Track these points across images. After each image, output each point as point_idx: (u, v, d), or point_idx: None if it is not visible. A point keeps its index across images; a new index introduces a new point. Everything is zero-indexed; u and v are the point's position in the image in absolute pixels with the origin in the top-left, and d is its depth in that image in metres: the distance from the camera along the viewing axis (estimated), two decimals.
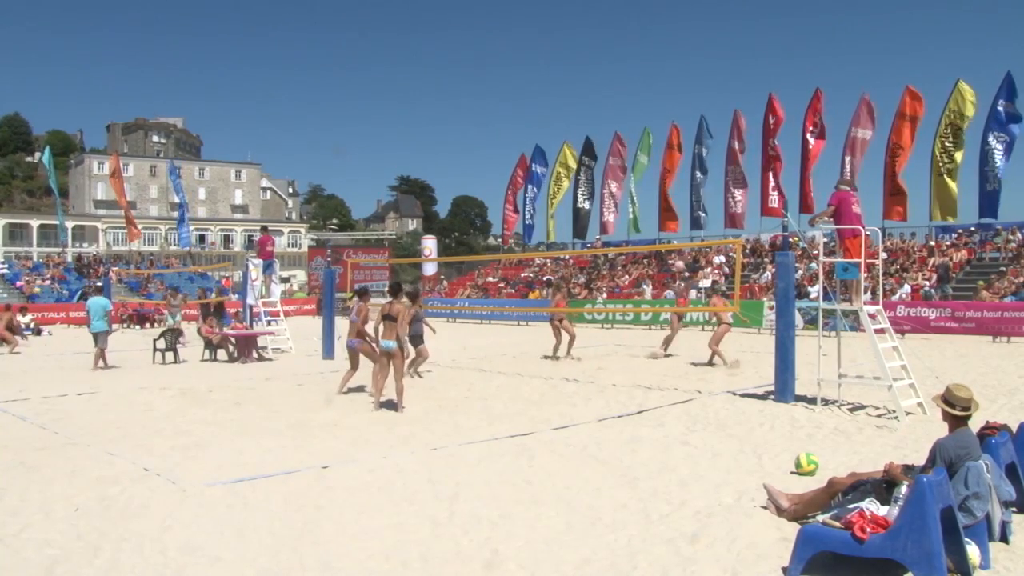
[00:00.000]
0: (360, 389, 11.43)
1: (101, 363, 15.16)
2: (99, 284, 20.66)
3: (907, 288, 23.46)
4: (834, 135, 29.71)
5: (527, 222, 40.99)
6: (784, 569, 4.45)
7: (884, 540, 4.27)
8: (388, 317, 9.96)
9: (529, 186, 40.55)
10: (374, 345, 10.47)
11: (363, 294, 12.02)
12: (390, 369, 10.05)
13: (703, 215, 33.80)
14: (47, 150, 44.99)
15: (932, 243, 26.97)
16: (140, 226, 71.00)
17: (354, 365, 11.36)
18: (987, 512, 4.75)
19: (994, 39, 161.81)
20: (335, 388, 11.46)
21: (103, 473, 6.87)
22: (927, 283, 23.79)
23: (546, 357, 16.41)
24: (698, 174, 33.90)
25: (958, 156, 26.12)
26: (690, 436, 8.35)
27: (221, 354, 16.93)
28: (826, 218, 10.23)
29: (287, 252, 74.96)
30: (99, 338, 15.22)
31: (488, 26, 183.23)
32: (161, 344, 16.59)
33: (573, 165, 38.63)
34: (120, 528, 5.35)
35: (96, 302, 15.71)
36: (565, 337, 16.35)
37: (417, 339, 13.10)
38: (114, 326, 24.60)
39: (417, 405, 10.44)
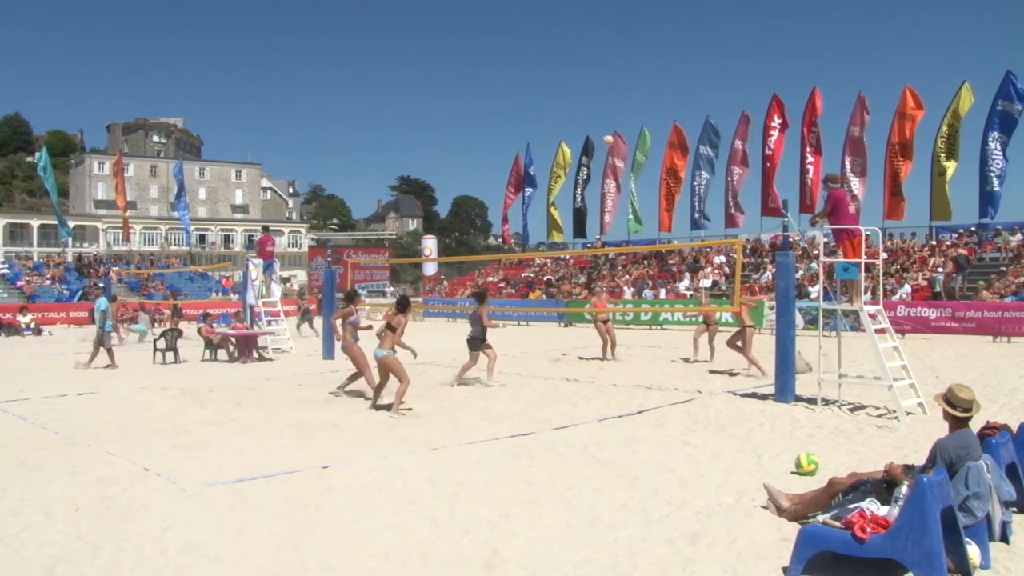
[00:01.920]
0: (359, 393, 11.41)
1: (109, 361, 15.37)
2: (101, 284, 20.86)
3: (907, 288, 23.46)
4: (834, 135, 29.75)
5: (526, 222, 41.05)
6: (784, 569, 4.45)
7: (884, 540, 4.27)
8: (387, 327, 10.05)
9: (527, 186, 40.56)
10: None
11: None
12: (388, 376, 10.05)
13: (704, 216, 33.79)
14: (44, 153, 44.15)
15: (933, 243, 26.98)
16: (140, 226, 71.61)
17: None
18: (987, 512, 4.75)
19: (994, 39, 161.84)
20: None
21: (103, 473, 6.87)
22: (944, 271, 23.87)
23: (595, 359, 16.19)
24: (701, 174, 33.88)
25: (952, 158, 26.11)
26: (690, 436, 8.35)
27: (221, 354, 16.94)
28: (825, 218, 10.21)
29: (287, 252, 74.98)
30: (107, 337, 15.52)
31: (489, 26, 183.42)
32: (161, 344, 16.60)
33: (570, 164, 38.66)
34: (120, 528, 5.34)
35: (106, 302, 16.06)
36: (608, 338, 16.26)
37: (476, 342, 12.28)
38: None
39: (417, 405, 10.44)
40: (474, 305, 13.22)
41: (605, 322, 16.51)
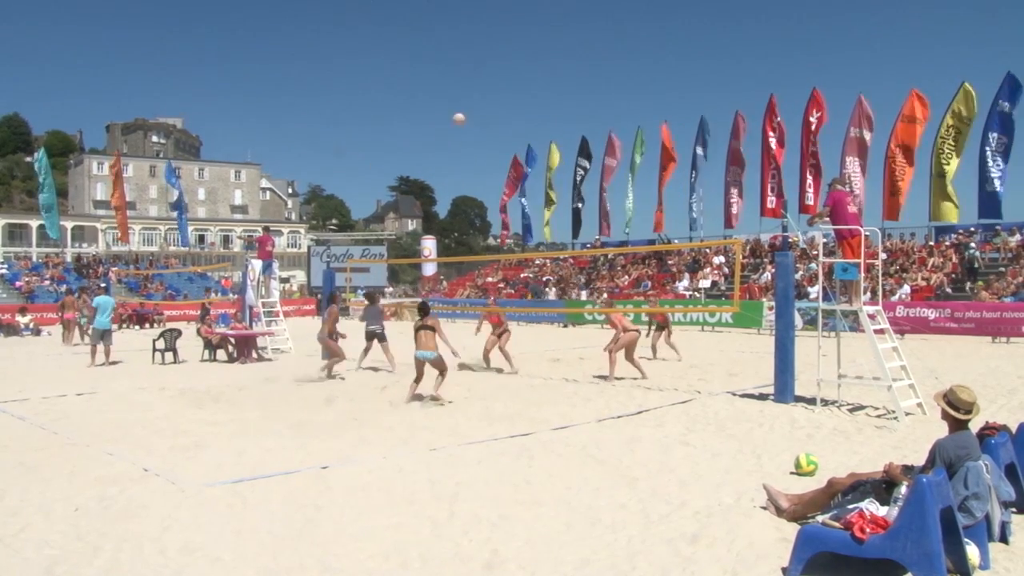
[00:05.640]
0: (359, 393, 11.43)
1: (103, 359, 15.83)
2: (103, 284, 20.55)
3: (906, 288, 23.48)
4: (834, 135, 29.74)
5: (524, 222, 41.04)
6: (784, 569, 4.46)
7: (884, 540, 4.27)
8: (423, 328, 10.88)
9: (525, 187, 40.61)
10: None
11: (333, 299, 14.47)
12: (424, 374, 10.84)
13: (700, 216, 33.83)
14: (43, 153, 43.22)
15: (931, 243, 26.98)
16: (140, 226, 71.55)
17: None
18: (987, 512, 4.75)
19: (994, 39, 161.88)
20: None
21: (103, 473, 6.87)
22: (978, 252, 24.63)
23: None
24: (696, 175, 33.88)
25: (955, 159, 26.08)
26: (690, 436, 8.36)
27: (220, 354, 16.94)
28: (825, 218, 10.23)
29: (287, 252, 74.91)
30: (106, 335, 16.09)
31: (489, 25, 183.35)
32: (160, 344, 16.60)
33: (560, 165, 38.86)
34: (120, 528, 5.34)
35: (107, 300, 16.70)
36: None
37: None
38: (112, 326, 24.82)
39: (417, 405, 10.43)
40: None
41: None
